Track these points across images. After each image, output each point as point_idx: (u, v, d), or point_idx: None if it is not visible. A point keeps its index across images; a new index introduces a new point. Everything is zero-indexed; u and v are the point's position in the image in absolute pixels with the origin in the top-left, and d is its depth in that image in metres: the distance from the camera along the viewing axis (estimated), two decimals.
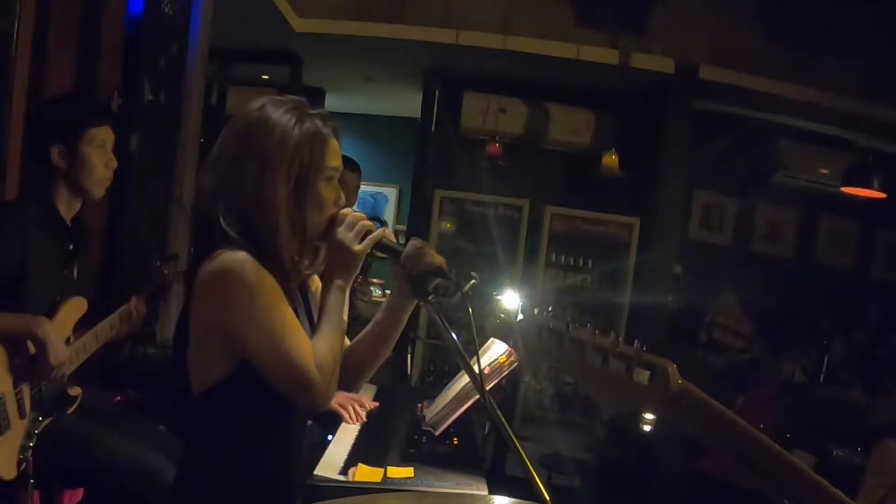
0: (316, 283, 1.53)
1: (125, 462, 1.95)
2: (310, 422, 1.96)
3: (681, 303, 4.91)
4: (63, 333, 1.96)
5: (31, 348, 1.86)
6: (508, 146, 5.40)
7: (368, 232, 1.40)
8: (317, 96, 6.15)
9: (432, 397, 2.29)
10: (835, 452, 3.13)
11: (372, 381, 2.53)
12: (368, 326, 1.52)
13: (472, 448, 2.12)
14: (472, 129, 5.43)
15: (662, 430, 3.32)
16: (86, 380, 2.13)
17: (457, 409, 2.04)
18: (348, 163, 3.38)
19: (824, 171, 5.20)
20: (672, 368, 0.85)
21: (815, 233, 5.66)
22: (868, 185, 4.44)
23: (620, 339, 0.89)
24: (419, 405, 2.28)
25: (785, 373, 3.91)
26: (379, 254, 1.47)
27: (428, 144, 5.50)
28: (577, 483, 4.03)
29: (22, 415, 1.89)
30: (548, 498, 1.11)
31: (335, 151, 1.39)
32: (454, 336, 1.35)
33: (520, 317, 1.02)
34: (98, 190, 2.06)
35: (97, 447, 1.97)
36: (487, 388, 1.29)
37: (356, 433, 2.17)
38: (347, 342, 1.52)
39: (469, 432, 2.19)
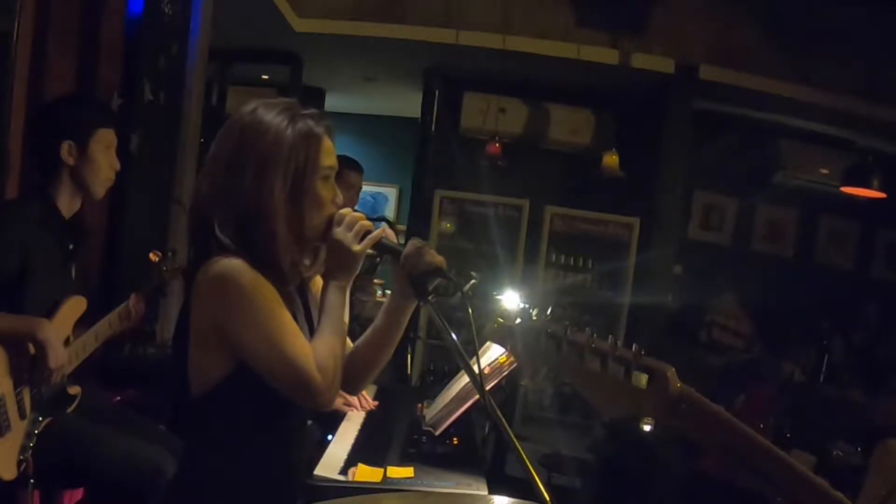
0: (317, 285, 1.53)
1: (125, 462, 1.95)
2: (310, 422, 1.96)
3: (681, 303, 4.91)
4: (63, 333, 1.96)
5: (31, 350, 1.86)
6: (508, 146, 5.39)
7: (368, 232, 1.40)
8: (317, 96, 6.15)
9: (432, 397, 2.29)
10: (835, 452, 3.13)
11: (372, 381, 2.53)
12: (368, 331, 1.52)
13: (472, 448, 2.12)
14: (472, 129, 5.43)
15: (662, 430, 3.32)
16: (85, 379, 2.13)
17: (457, 409, 2.04)
18: (351, 163, 3.39)
19: (824, 171, 5.19)
20: (671, 372, 0.84)
21: (815, 233, 5.66)
22: (868, 185, 4.44)
23: (619, 342, 0.88)
24: (419, 405, 2.28)
25: (785, 373, 3.91)
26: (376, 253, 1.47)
27: (428, 144, 5.50)
28: (577, 483, 4.03)
29: (22, 415, 1.89)
30: (548, 498, 1.11)
31: (330, 150, 1.39)
32: (454, 336, 1.35)
33: (517, 321, 1.01)
34: (100, 190, 2.09)
35: (97, 447, 1.97)
36: (487, 388, 1.29)
37: (356, 433, 2.17)
38: (350, 345, 1.52)
39: (469, 432, 2.19)
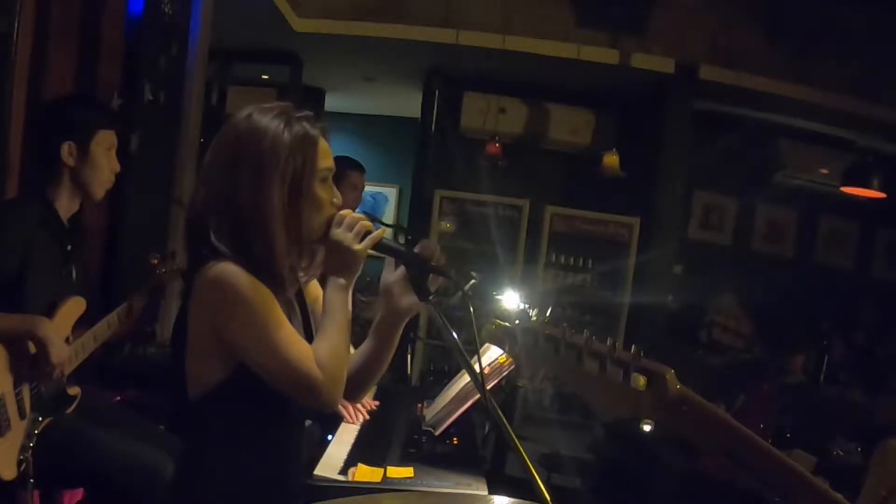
0: (314, 292, 1.53)
1: (125, 462, 1.95)
2: (310, 422, 1.96)
3: (681, 303, 4.91)
4: (62, 333, 1.96)
5: (32, 348, 1.86)
6: (508, 146, 5.40)
7: (368, 232, 1.40)
8: (316, 96, 6.15)
9: (432, 397, 2.29)
10: (835, 452, 3.13)
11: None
12: (362, 346, 1.51)
13: (472, 448, 2.12)
14: (472, 129, 5.43)
15: (662, 430, 3.32)
16: (85, 380, 2.13)
17: (457, 409, 2.04)
18: (353, 163, 3.39)
19: (824, 171, 5.20)
20: (670, 374, 0.84)
21: (815, 233, 5.66)
22: (868, 185, 4.44)
23: (617, 344, 0.88)
24: (419, 405, 2.28)
25: (794, 366, 3.91)
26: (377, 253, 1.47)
27: (428, 144, 5.50)
28: (577, 483, 4.03)
29: (22, 415, 1.89)
30: (548, 498, 1.11)
31: (326, 152, 1.39)
32: (455, 335, 1.35)
33: (516, 322, 1.01)
34: (99, 191, 2.09)
35: (97, 447, 1.97)
36: (488, 387, 1.29)
37: (356, 433, 2.17)
38: (351, 350, 1.52)
39: (469, 432, 2.19)
